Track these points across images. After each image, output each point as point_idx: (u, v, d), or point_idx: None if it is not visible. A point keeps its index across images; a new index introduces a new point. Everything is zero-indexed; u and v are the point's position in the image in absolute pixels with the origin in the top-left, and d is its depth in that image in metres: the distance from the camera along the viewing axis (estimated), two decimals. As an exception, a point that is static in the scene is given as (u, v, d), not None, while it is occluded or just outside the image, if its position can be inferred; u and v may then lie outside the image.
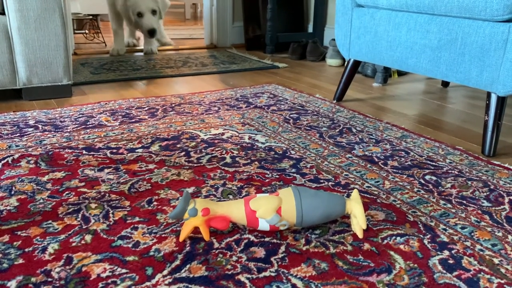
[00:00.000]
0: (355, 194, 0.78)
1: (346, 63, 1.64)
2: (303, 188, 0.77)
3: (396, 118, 1.48)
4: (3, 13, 1.47)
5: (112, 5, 2.54)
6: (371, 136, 1.27)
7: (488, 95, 1.18)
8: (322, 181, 0.99)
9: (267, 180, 0.98)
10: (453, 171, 1.05)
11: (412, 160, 1.11)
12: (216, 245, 0.73)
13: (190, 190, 0.93)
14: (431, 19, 1.27)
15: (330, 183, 0.98)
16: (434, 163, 1.09)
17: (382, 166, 1.08)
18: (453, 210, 0.87)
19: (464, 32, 1.19)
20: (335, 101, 1.65)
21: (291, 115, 1.45)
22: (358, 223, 0.75)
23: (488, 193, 0.95)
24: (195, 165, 1.05)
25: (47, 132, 1.24)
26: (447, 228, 0.80)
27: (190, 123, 1.36)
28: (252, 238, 0.76)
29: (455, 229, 0.80)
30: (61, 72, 1.59)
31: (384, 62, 1.46)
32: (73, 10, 3.19)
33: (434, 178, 1.01)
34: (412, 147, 1.20)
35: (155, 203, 0.87)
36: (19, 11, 1.46)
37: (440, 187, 0.97)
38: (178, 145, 1.17)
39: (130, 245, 0.73)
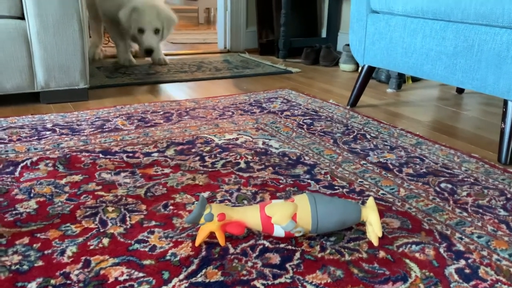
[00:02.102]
0: (370, 201, 0.78)
1: (360, 69, 1.64)
2: (319, 195, 0.78)
3: (411, 125, 1.48)
4: (22, 18, 1.50)
5: (111, 16, 2.28)
6: (385, 143, 1.27)
7: (505, 102, 1.17)
8: (336, 187, 0.99)
9: (281, 186, 0.99)
10: (469, 179, 1.04)
11: (427, 168, 1.11)
12: (232, 250, 0.74)
13: (205, 195, 0.94)
14: (447, 25, 1.26)
15: (344, 189, 0.98)
16: (449, 171, 1.09)
17: (397, 173, 1.07)
18: (469, 219, 0.86)
19: (480, 39, 1.18)
20: (349, 107, 1.64)
21: (305, 121, 1.46)
22: (374, 230, 0.75)
23: (504, 202, 0.94)
24: (210, 170, 1.06)
25: (64, 136, 1.26)
26: (463, 237, 0.80)
27: (205, 127, 1.37)
28: (267, 244, 0.76)
29: (471, 238, 0.80)
30: (78, 76, 1.61)
31: (399, 69, 1.46)
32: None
33: (449, 186, 1.01)
34: (427, 154, 1.19)
35: (171, 207, 0.88)
36: (38, 16, 1.49)
37: (455, 195, 0.96)
38: (193, 150, 1.18)
39: (146, 249, 0.74)
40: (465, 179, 1.04)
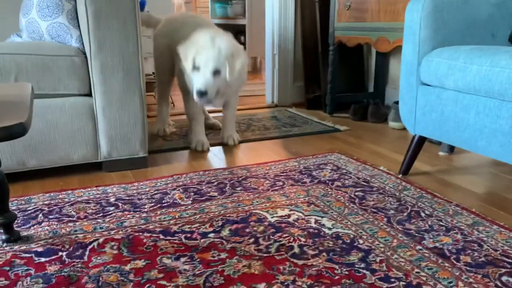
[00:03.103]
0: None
1: (412, 137, 1.63)
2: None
3: (466, 198, 1.45)
4: (90, 95, 1.63)
5: (165, 49, 2.01)
6: (440, 223, 1.25)
7: None
8: (393, 280, 0.98)
9: (336, 278, 0.99)
10: (532, 272, 1.01)
11: (486, 255, 1.08)
12: None
13: (261, 286, 0.96)
14: (502, 104, 1.25)
15: (401, 282, 0.98)
16: (510, 260, 1.05)
17: (455, 262, 1.05)
18: (536, 325, 0.83)
19: (538, 121, 1.16)
20: (400, 175, 1.64)
21: (356, 193, 1.46)
22: None
23: None
24: (264, 255, 1.09)
25: (126, 212, 1.34)
26: None
27: (257, 201, 1.41)
28: None
29: None
30: (138, 146, 1.72)
31: (452, 142, 1.45)
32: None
33: (511, 280, 0.98)
34: (485, 238, 1.16)
35: (229, 302, 0.91)
36: (104, 93, 1.61)
37: (519, 293, 0.93)
38: (247, 230, 1.22)
39: None
40: (528, 271, 1.01)
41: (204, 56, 1.71)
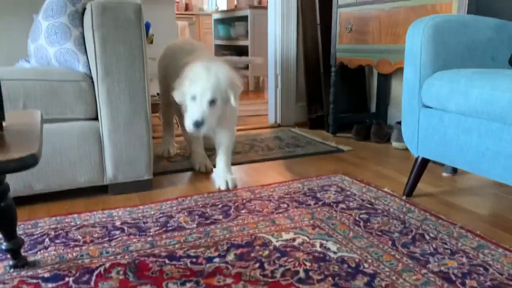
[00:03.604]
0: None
1: (415, 159, 1.64)
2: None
3: (470, 220, 1.45)
4: (96, 119, 1.65)
5: (166, 73, 2.03)
6: (445, 246, 1.25)
7: None
8: (398, 305, 0.99)
9: (342, 303, 1.00)
10: (538, 297, 1.01)
11: (492, 280, 1.08)
12: None
13: (268, 312, 0.96)
14: (503, 127, 1.27)
15: (407, 308, 0.98)
16: (516, 284, 1.06)
17: (460, 286, 1.05)
18: None
19: (540, 144, 1.18)
20: (404, 197, 1.64)
21: (361, 216, 1.47)
22: None
23: None
24: (270, 280, 1.09)
25: (132, 236, 1.34)
26: None
27: (262, 225, 1.41)
28: None
29: None
30: (143, 169, 1.73)
31: (455, 164, 1.46)
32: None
33: (518, 304, 0.98)
34: (491, 261, 1.16)
35: (236, 329, 0.91)
36: (110, 117, 1.64)
37: (526, 319, 0.93)
38: (252, 254, 1.22)
39: None
40: (535, 296, 1.01)
41: (200, 85, 1.62)
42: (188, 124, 1.63)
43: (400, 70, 2.28)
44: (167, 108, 2.25)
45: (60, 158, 1.60)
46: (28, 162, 0.72)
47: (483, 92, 1.29)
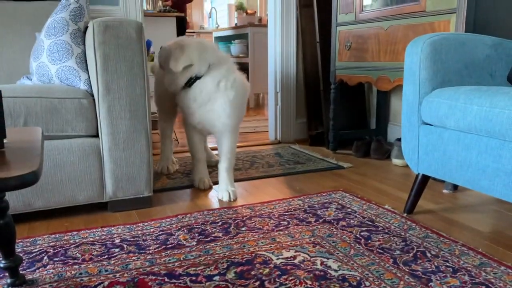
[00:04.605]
0: None
1: (416, 176, 1.64)
2: None
3: (471, 237, 1.44)
4: (97, 136, 1.66)
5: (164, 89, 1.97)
6: (447, 264, 1.24)
7: None
8: (400, 325, 0.97)
9: (344, 322, 0.98)
10: (542, 316, 0.99)
11: (495, 298, 1.07)
12: None
13: (268, 332, 0.95)
14: (503, 144, 1.27)
15: (409, 327, 0.96)
16: (519, 303, 1.04)
17: (463, 305, 1.04)
18: None
19: (540, 161, 1.18)
20: (405, 214, 1.63)
21: (362, 233, 1.46)
22: None
23: None
24: (271, 298, 1.08)
25: (131, 254, 1.33)
26: None
27: (262, 242, 1.41)
28: None
29: None
30: (143, 185, 1.73)
31: (455, 181, 1.46)
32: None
33: (521, 324, 0.97)
34: (493, 280, 1.15)
35: None
36: (111, 134, 1.64)
37: (530, 339, 0.92)
38: (252, 272, 1.21)
39: None
40: (538, 315, 1.00)
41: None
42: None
43: (399, 87, 2.31)
44: (165, 123, 2.24)
45: (60, 174, 1.60)
46: (29, 180, 0.72)
47: (482, 109, 1.30)
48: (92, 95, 1.66)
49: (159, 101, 2.22)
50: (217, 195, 1.90)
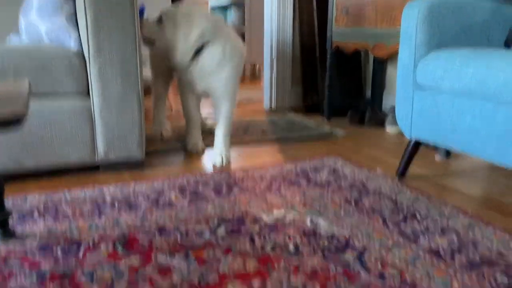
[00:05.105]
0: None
1: (408, 142, 1.64)
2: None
3: (462, 201, 1.45)
4: (88, 95, 1.63)
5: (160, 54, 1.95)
6: (436, 224, 1.25)
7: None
8: (387, 277, 0.98)
9: (331, 275, 0.99)
10: (527, 272, 1.01)
11: (482, 256, 1.08)
12: None
13: (256, 283, 0.96)
14: (497, 107, 1.26)
15: (396, 280, 0.97)
16: (504, 260, 1.06)
17: (449, 261, 1.05)
18: (529, 323, 0.83)
19: (533, 123, 1.17)
20: (397, 178, 1.64)
21: (352, 195, 1.47)
22: None
23: None
24: (260, 253, 1.09)
25: (122, 212, 1.34)
26: None
27: (254, 202, 1.41)
28: None
29: None
30: (135, 148, 1.72)
31: (448, 144, 1.46)
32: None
33: (505, 279, 0.98)
34: (480, 239, 1.16)
35: (223, 298, 0.91)
36: (102, 96, 1.62)
37: (513, 292, 0.93)
38: (243, 229, 1.22)
39: None
40: (523, 271, 1.01)
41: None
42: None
43: (395, 56, 2.28)
44: (159, 88, 2.19)
45: (51, 134, 1.58)
46: (12, 120, 0.71)
47: (478, 71, 1.29)
48: (83, 55, 1.63)
49: (154, 65, 2.18)
50: (211, 159, 1.89)
